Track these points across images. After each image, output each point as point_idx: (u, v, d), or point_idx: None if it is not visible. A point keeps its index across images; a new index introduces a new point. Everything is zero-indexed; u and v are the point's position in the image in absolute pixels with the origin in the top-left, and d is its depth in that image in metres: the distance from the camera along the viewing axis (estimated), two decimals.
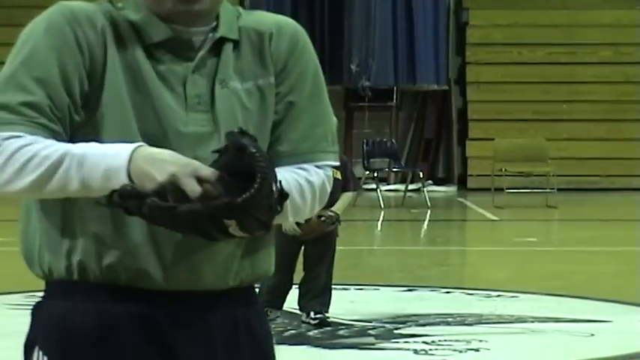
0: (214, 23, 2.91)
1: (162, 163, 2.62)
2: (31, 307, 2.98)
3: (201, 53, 2.89)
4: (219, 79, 2.89)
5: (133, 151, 2.65)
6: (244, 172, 2.58)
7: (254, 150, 2.59)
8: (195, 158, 2.70)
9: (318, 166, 2.95)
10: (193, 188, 2.56)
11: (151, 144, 2.73)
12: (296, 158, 2.93)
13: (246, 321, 3.01)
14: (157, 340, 2.86)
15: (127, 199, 2.60)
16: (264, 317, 3.15)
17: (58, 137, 2.72)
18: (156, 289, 2.84)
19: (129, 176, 2.62)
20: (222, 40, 2.91)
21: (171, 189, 2.58)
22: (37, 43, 2.76)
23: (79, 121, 2.78)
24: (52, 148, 2.67)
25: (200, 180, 2.57)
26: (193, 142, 2.83)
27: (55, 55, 2.76)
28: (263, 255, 3.09)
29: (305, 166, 2.93)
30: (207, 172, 2.59)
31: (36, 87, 2.73)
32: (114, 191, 2.60)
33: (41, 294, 2.96)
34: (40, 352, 2.87)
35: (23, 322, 3.00)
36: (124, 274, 2.83)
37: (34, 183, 2.68)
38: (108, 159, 2.65)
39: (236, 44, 2.93)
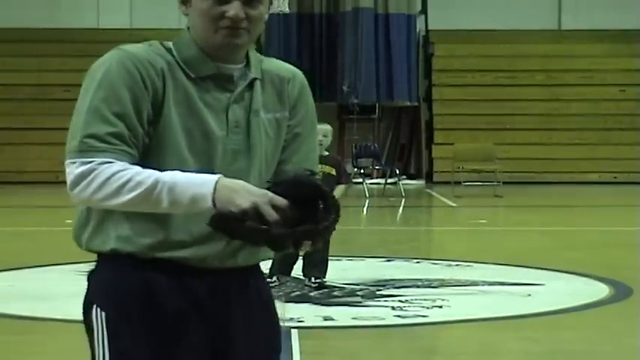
0: (244, 62, 2.95)
1: (246, 193, 2.67)
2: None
3: (240, 88, 2.92)
4: (253, 109, 2.93)
5: (217, 181, 2.68)
6: (299, 200, 2.68)
7: (327, 190, 2.72)
8: (233, 170, 2.81)
9: None
10: (271, 214, 2.63)
11: (200, 159, 2.82)
12: None
13: (256, 285, 3.06)
14: (192, 302, 2.89)
15: (228, 222, 2.65)
16: (267, 283, 3.17)
17: (134, 160, 2.76)
18: (193, 265, 2.88)
19: (213, 201, 2.66)
20: (252, 78, 2.95)
21: (253, 213, 2.63)
22: (113, 83, 2.77)
23: (147, 144, 2.80)
24: (143, 174, 2.71)
25: (275, 207, 2.64)
26: (231, 158, 2.88)
27: (129, 93, 2.78)
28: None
29: None
30: (281, 201, 2.65)
31: (116, 120, 2.76)
32: (215, 215, 2.66)
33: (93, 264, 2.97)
34: (98, 309, 2.88)
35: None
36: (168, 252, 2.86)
37: (130, 202, 2.72)
38: (195, 187, 2.69)
39: (261, 82, 2.98)
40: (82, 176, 2.73)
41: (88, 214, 2.89)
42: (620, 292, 9.40)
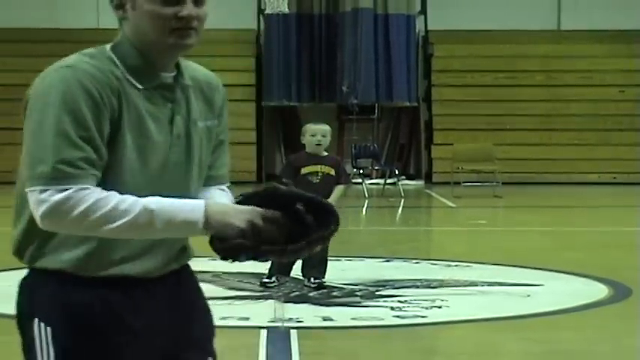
0: (175, 70, 2.95)
1: (238, 213, 2.74)
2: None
3: (179, 97, 2.92)
4: (192, 119, 2.95)
5: (206, 206, 2.75)
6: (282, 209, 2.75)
7: (321, 200, 2.84)
8: (176, 181, 2.88)
9: (227, 186, 3.10)
10: (268, 228, 2.71)
11: (152, 174, 2.83)
12: (218, 180, 3.07)
13: (189, 281, 3.13)
14: (137, 312, 2.92)
15: (238, 252, 2.74)
16: (193, 276, 3.17)
17: (99, 181, 2.75)
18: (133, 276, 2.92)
19: (205, 226, 2.73)
20: (187, 86, 2.95)
21: (250, 231, 2.70)
22: (76, 105, 2.73)
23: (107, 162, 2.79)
24: (128, 202, 2.72)
25: (268, 219, 2.73)
26: (176, 170, 2.90)
27: (92, 115, 2.74)
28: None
29: (223, 186, 3.07)
30: (272, 213, 2.73)
31: (84, 144, 2.72)
32: (215, 240, 2.75)
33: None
34: (42, 324, 2.85)
35: None
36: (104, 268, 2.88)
37: (118, 229, 2.72)
38: (185, 213, 2.74)
39: (193, 90, 2.99)
40: (61, 204, 2.68)
41: (32, 231, 2.84)
42: (620, 292, 9.41)
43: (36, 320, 2.85)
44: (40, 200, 2.69)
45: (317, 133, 9.21)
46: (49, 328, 2.84)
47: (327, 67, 25.43)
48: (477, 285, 9.78)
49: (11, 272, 10.05)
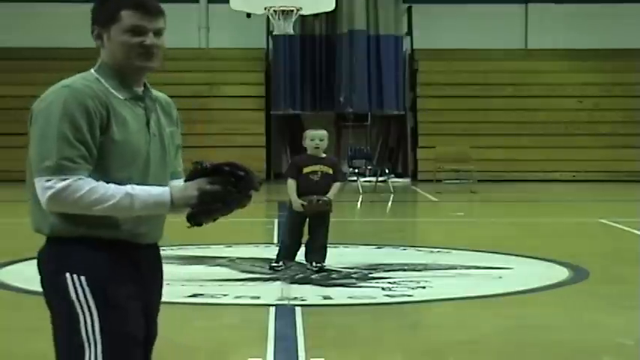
0: (143, 87, 3.31)
1: (191, 187, 3.13)
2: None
3: (149, 105, 3.30)
4: (161, 123, 3.34)
5: (170, 190, 3.15)
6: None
7: (228, 167, 3.16)
8: (159, 173, 3.27)
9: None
10: (214, 187, 3.10)
11: (137, 165, 3.20)
12: (178, 175, 3.41)
13: (159, 256, 3.45)
14: (137, 270, 3.27)
15: (198, 212, 3.15)
16: (161, 258, 3.47)
17: (90, 172, 3.09)
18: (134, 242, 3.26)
19: (172, 203, 3.12)
20: (154, 98, 3.33)
21: (205, 195, 3.10)
22: (73, 115, 3.07)
23: (96, 158, 3.12)
24: (112, 189, 3.07)
25: (209, 184, 3.11)
26: (156, 164, 3.27)
27: (85, 122, 3.08)
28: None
29: (180, 180, 3.34)
30: (211, 179, 3.11)
31: (79, 145, 3.06)
32: (190, 218, 3.15)
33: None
34: (74, 275, 3.12)
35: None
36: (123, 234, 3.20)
37: (106, 209, 3.07)
38: (155, 197, 3.13)
39: (157, 104, 3.36)
40: (63, 190, 3.02)
41: (36, 209, 3.15)
42: (578, 274, 9.40)
43: (67, 274, 3.12)
44: (46, 187, 3.03)
45: (315, 138, 9.19)
46: (82, 277, 3.12)
47: (327, 80, 25.41)
48: (455, 268, 9.76)
49: None
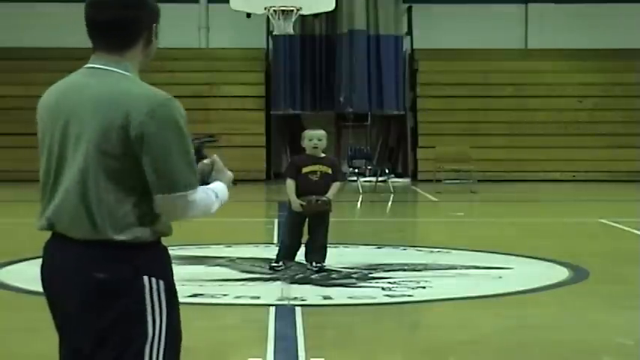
0: None
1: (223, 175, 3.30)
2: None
3: None
4: None
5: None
6: None
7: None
8: None
9: None
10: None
11: None
12: None
13: None
14: None
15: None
16: None
17: None
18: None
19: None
20: None
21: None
22: (186, 130, 3.07)
23: None
24: (208, 191, 3.15)
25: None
26: None
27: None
28: None
29: None
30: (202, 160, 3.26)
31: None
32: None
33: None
34: (153, 279, 3.05)
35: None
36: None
37: (213, 212, 3.17)
38: (224, 190, 3.22)
39: None
40: (195, 201, 3.06)
41: (131, 216, 3.03)
42: (578, 274, 9.40)
43: (145, 277, 3.05)
44: (190, 201, 3.04)
45: (314, 138, 9.18)
46: (160, 282, 3.06)
47: (327, 80, 25.41)
48: (455, 268, 9.77)
49: None
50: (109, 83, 3.04)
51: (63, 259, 3.05)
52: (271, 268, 9.25)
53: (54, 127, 3.09)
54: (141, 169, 3.00)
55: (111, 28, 3.08)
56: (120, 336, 3.00)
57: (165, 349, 3.05)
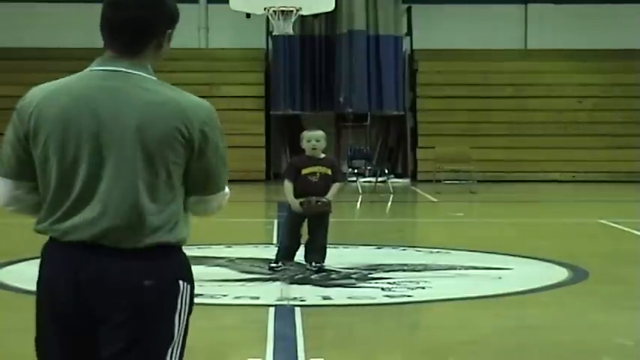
0: None
1: None
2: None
3: None
4: None
5: None
6: None
7: None
8: None
9: None
10: None
11: None
12: None
13: None
14: None
15: None
16: None
17: None
18: None
19: None
20: None
21: None
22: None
23: None
24: None
25: None
26: None
27: None
28: None
29: None
30: None
31: None
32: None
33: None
34: (185, 283, 3.12)
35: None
36: None
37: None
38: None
39: None
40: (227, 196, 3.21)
41: (173, 219, 3.03)
42: (578, 275, 9.41)
43: (180, 282, 3.09)
44: (227, 198, 3.19)
45: (312, 139, 9.17)
46: (188, 286, 3.13)
47: (326, 80, 25.42)
48: (455, 269, 9.77)
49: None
50: (148, 88, 2.98)
51: (106, 270, 2.95)
52: (270, 268, 9.25)
53: (79, 133, 2.94)
54: (181, 175, 3.00)
55: (128, 28, 2.98)
56: (153, 337, 2.99)
57: (181, 348, 3.10)
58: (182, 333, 3.09)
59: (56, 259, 2.99)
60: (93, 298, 2.96)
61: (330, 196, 9.04)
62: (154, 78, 3.01)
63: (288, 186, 9.07)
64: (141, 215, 2.93)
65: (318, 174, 9.08)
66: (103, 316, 2.97)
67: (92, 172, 2.93)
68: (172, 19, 3.07)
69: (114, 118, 2.93)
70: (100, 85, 2.97)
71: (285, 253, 9.21)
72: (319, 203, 8.97)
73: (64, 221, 2.96)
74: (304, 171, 9.06)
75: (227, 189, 3.19)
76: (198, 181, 3.04)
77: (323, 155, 9.26)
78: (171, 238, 3.00)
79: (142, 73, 2.99)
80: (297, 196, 9.02)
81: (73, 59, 19.50)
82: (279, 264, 9.22)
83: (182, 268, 3.09)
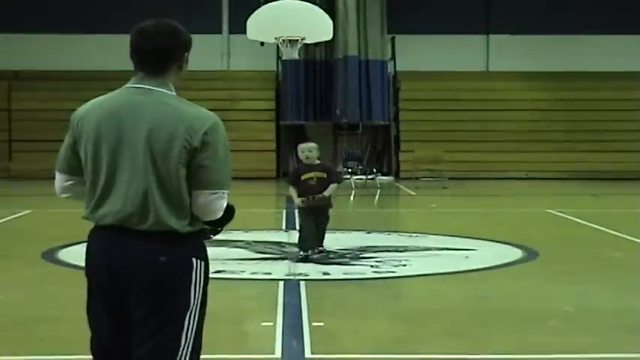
0: None
1: None
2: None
3: None
4: None
5: None
6: None
7: None
8: None
9: None
10: None
11: None
12: None
13: None
14: None
15: None
16: None
17: None
18: None
19: None
20: None
21: None
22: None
23: None
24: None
25: None
26: None
27: None
28: None
29: None
30: None
31: None
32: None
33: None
34: (199, 261, 3.07)
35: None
36: None
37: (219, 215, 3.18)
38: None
39: None
40: (225, 201, 3.09)
41: (189, 213, 3.05)
42: (530, 255, 9.41)
43: (194, 259, 3.05)
44: (225, 198, 3.07)
45: (305, 150, 9.10)
46: (202, 262, 3.07)
47: (326, 96, 25.36)
48: (430, 250, 9.78)
49: None
50: (165, 102, 3.04)
51: (128, 248, 3.01)
52: (305, 257, 9.04)
53: (107, 139, 3.04)
54: (185, 172, 3.01)
55: (152, 54, 3.06)
56: (172, 304, 3.02)
57: (199, 315, 3.09)
58: (198, 302, 3.08)
59: (95, 240, 3.09)
60: (119, 270, 3.02)
61: (326, 193, 8.97)
62: (173, 94, 3.08)
63: (291, 190, 9.05)
64: (154, 205, 2.99)
65: (314, 178, 9.02)
66: (128, 285, 3.02)
67: (112, 171, 3.02)
68: (187, 45, 3.13)
69: (133, 126, 3.02)
70: (129, 100, 3.06)
71: (310, 244, 9.09)
72: (315, 198, 8.92)
73: (97, 210, 3.06)
74: (303, 177, 9.02)
75: (227, 192, 3.07)
76: (201, 180, 3.03)
77: (318, 162, 9.18)
78: (179, 225, 3.02)
79: (164, 90, 3.07)
80: (300, 196, 8.98)
81: (121, 80, 19.54)
82: (309, 252, 9.06)
83: (195, 249, 3.07)
